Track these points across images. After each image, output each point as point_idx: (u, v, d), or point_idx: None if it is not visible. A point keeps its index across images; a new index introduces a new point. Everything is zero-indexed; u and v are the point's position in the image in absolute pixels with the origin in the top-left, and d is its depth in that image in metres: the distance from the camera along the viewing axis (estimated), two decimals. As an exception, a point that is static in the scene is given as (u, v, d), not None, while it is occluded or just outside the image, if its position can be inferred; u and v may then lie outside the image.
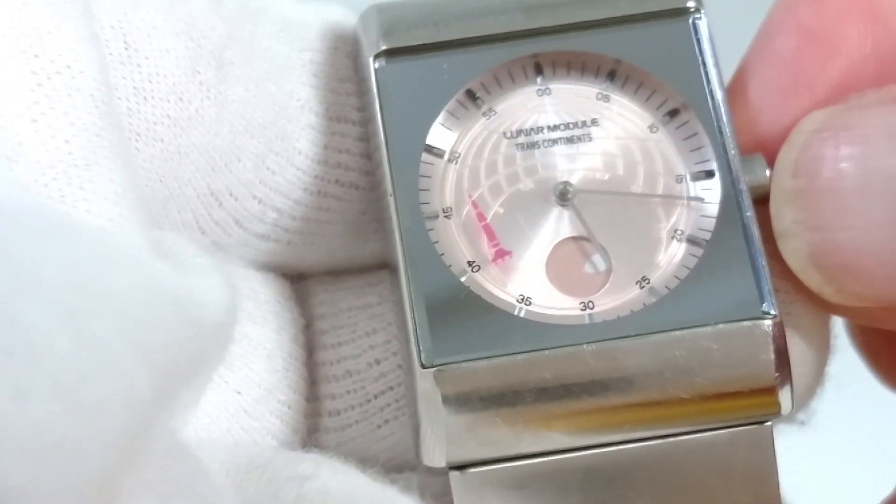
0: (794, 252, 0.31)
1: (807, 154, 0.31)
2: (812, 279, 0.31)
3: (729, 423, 0.31)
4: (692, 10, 0.33)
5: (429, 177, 0.32)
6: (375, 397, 0.34)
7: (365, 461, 0.32)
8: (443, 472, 0.31)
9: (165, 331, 0.24)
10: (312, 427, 0.34)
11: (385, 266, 0.34)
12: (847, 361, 0.35)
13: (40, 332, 0.22)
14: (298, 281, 0.35)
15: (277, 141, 0.32)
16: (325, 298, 0.35)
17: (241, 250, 0.33)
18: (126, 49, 0.30)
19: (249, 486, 0.29)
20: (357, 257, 0.35)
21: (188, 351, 0.24)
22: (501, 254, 0.32)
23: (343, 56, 0.33)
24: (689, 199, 0.32)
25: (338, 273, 0.35)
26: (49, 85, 0.27)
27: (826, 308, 0.32)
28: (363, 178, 0.34)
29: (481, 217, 0.32)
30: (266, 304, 0.34)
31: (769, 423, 0.31)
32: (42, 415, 0.21)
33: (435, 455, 0.30)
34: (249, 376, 0.33)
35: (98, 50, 0.29)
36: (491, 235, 0.32)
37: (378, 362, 0.34)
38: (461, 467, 0.31)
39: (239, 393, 0.32)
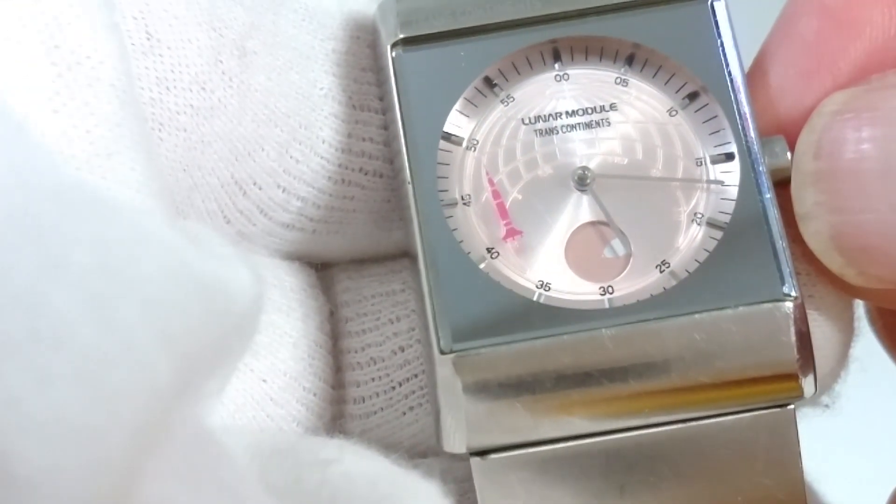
0: (815, 234, 0.31)
1: (828, 136, 0.30)
2: (833, 261, 0.31)
3: (751, 407, 0.31)
4: None
5: (447, 164, 0.32)
6: (400, 384, 0.34)
7: (389, 447, 0.32)
8: (464, 458, 0.31)
9: (190, 318, 0.24)
10: (337, 414, 0.34)
11: (408, 254, 0.34)
12: (872, 344, 0.35)
13: (66, 317, 0.22)
14: (323, 269, 0.35)
15: (301, 130, 0.32)
16: (349, 286, 0.35)
17: (266, 239, 0.33)
18: (148, 39, 0.30)
19: (273, 471, 0.29)
20: (381, 245, 0.35)
21: (212, 339, 0.24)
22: (513, 233, 0.32)
23: (365, 45, 0.34)
24: (709, 182, 0.32)
25: (362, 261, 0.35)
26: (69, 76, 0.27)
27: (848, 291, 0.32)
28: (387, 167, 0.34)
29: (496, 195, 0.32)
30: (291, 292, 0.34)
31: (792, 407, 0.31)
32: (64, 400, 0.21)
33: (455, 441, 0.30)
34: (275, 364, 0.33)
35: (118, 40, 0.29)
36: (504, 213, 0.32)
37: (402, 350, 0.34)
38: (482, 453, 0.31)
39: (265, 381, 0.33)
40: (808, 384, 0.30)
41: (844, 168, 0.30)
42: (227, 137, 0.31)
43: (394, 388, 0.34)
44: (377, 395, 0.34)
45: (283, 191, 0.33)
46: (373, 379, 0.34)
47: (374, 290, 0.35)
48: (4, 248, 0.22)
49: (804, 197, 0.31)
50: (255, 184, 0.32)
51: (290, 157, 0.32)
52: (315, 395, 0.33)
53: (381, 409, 0.34)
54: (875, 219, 0.30)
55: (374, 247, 0.35)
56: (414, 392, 0.34)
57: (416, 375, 0.34)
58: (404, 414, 0.34)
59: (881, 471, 0.37)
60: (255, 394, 0.33)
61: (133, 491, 0.23)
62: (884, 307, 0.35)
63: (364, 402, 0.34)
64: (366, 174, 0.33)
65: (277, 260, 0.34)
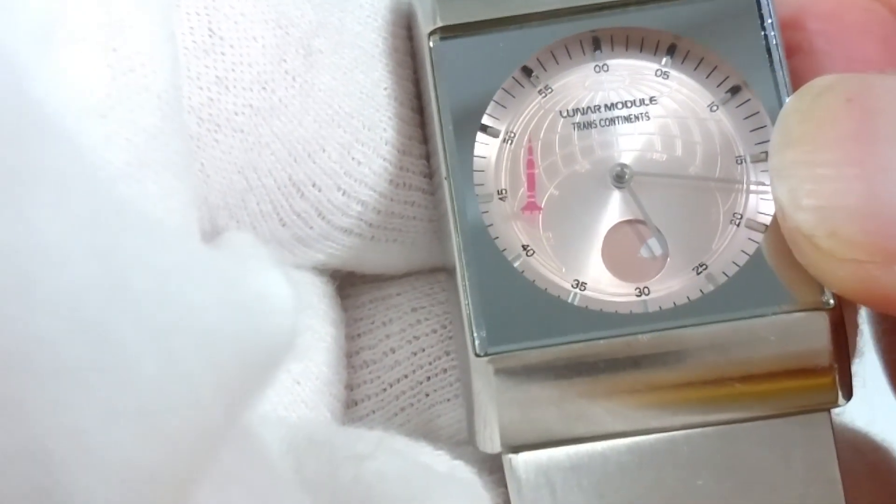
0: (790, 191, 0.29)
1: (818, 103, 0.29)
2: (806, 220, 0.29)
3: (787, 412, 0.31)
4: None
5: (484, 157, 0.32)
6: (391, 385, 0.34)
7: None
8: (497, 457, 0.31)
9: (240, 346, 0.23)
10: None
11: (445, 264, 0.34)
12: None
13: (130, 349, 0.21)
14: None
15: (364, 130, 0.32)
16: (349, 292, 0.35)
17: (323, 244, 0.33)
18: (210, 36, 0.30)
19: (309, 464, 0.29)
20: (436, 259, 0.34)
21: (260, 364, 0.23)
22: (532, 207, 0.32)
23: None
24: (749, 182, 0.32)
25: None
26: (122, 80, 0.27)
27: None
28: None
29: (531, 164, 0.32)
30: (325, 297, 0.34)
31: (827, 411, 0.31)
32: (126, 439, 0.21)
33: (489, 441, 0.30)
34: (310, 368, 0.33)
35: (173, 51, 0.28)
36: (531, 185, 0.32)
37: (393, 351, 0.34)
38: (515, 451, 0.31)
39: (299, 383, 0.33)
40: (844, 392, 0.30)
41: (833, 133, 0.29)
42: (286, 138, 0.31)
43: (384, 389, 0.34)
44: (368, 397, 0.34)
45: (344, 193, 0.32)
46: (364, 382, 0.34)
47: (371, 296, 0.34)
48: (75, 268, 0.21)
49: (785, 154, 0.29)
50: (313, 185, 0.31)
51: (353, 159, 0.32)
52: (339, 400, 0.33)
53: (373, 411, 0.34)
54: (860, 175, 0.28)
55: (428, 260, 0.34)
56: (405, 393, 0.34)
57: (405, 376, 0.34)
58: (395, 415, 0.34)
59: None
60: (289, 395, 0.32)
61: None
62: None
63: (356, 405, 0.34)
64: (427, 178, 0.33)
65: (307, 270, 0.34)
